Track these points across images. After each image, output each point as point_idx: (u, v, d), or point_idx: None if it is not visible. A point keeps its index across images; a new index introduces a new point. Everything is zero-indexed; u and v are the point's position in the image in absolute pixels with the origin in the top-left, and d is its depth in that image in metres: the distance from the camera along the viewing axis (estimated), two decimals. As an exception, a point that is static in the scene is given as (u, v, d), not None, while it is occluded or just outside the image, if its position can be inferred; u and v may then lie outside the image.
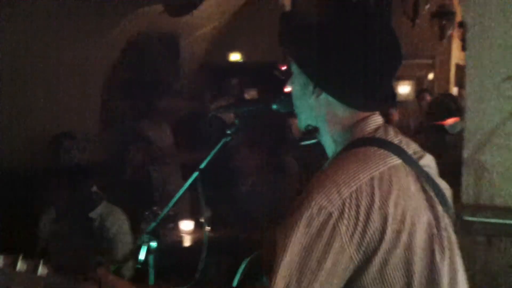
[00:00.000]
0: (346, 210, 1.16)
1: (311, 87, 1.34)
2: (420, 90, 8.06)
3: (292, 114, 1.50)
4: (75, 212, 3.31)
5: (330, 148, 1.39)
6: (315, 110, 1.37)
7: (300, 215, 1.17)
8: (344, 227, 1.15)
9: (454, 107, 4.14)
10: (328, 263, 1.15)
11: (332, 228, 1.15)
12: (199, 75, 7.69)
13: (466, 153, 3.35)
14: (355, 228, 1.15)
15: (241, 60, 8.13)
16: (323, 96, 1.33)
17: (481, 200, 3.30)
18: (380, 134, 1.31)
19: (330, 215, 1.16)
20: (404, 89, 8.95)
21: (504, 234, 3.14)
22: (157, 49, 7.16)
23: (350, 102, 1.32)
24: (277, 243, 1.19)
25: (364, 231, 1.16)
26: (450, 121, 4.06)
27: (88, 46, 5.61)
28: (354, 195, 1.17)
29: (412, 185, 1.24)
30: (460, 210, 3.18)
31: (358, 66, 1.29)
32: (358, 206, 1.16)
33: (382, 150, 1.26)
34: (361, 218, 1.16)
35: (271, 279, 1.17)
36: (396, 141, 1.31)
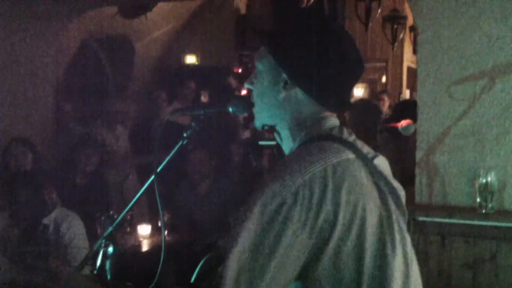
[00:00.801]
0: (300, 197, 1.18)
1: (282, 83, 1.38)
2: (380, 91, 8.15)
3: (249, 116, 1.52)
4: (28, 218, 3.23)
5: (287, 145, 1.43)
6: (281, 107, 1.40)
7: (254, 202, 1.20)
8: (297, 214, 1.17)
9: (412, 111, 4.24)
10: (281, 250, 1.16)
11: (286, 215, 1.17)
12: (154, 78, 7.63)
13: (419, 155, 3.43)
14: (307, 214, 1.18)
15: (197, 63, 8.10)
16: (294, 91, 1.37)
17: (434, 200, 3.38)
18: (335, 132, 1.36)
19: (283, 201, 1.18)
20: (358, 91, 9.10)
21: (457, 234, 3.22)
22: (111, 51, 7.07)
23: (319, 98, 1.38)
24: (232, 230, 1.20)
25: (316, 218, 1.18)
26: (403, 123, 4.14)
27: (38, 49, 5.49)
28: (307, 183, 1.19)
29: (365, 179, 1.28)
30: (413, 210, 3.25)
31: (329, 64, 1.35)
32: (311, 194, 1.19)
33: (336, 144, 1.30)
34: (313, 205, 1.18)
35: (225, 265, 1.17)
36: (350, 139, 1.36)
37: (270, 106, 1.42)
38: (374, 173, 1.32)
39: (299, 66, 1.36)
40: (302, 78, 1.36)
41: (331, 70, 1.35)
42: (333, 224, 1.18)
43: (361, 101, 7.57)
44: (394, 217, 1.30)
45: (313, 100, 1.37)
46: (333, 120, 1.40)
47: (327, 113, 1.39)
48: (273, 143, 1.49)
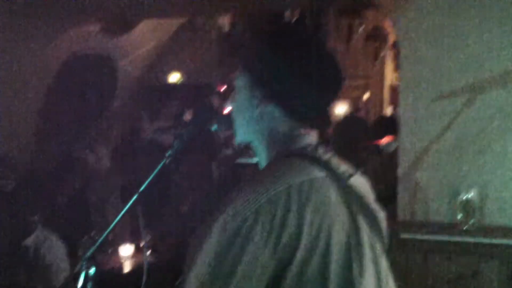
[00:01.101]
0: (262, 216, 1.16)
1: (257, 100, 1.37)
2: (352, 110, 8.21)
3: (231, 135, 1.53)
4: (9, 240, 3.20)
5: (262, 162, 1.42)
6: (257, 124, 1.39)
7: (216, 219, 1.18)
8: (258, 233, 1.16)
9: (392, 127, 4.27)
10: (242, 269, 1.15)
11: (246, 234, 1.16)
12: (137, 96, 7.61)
13: (401, 171, 3.46)
14: (269, 234, 1.16)
15: (180, 81, 8.11)
16: (269, 108, 1.37)
17: (417, 217, 3.40)
18: (310, 149, 1.35)
19: (245, 220, 1.16)
20: (340, 109, 9.16)
21: (439, 250, 3.24)
22: (93, 69, 7.05)
23: (294, 114, 1.37)
24: (193, 247, 1.19)
25: (278, 238, 1.16)
26: (384, 140, 4.17)
27: (20, 68, 5.46)
28: (270, 202, 1.18)
29: (333, 199, 1.26)
30: (396, 228, 3.26)
31: (304, 81, 1.34)
32: (274, 213, 1.17)
33: (306, 163, 1.29)
34: (276, 225, 1.16)
35: (185, 284, 1.16)
36: (324, 157, 1.34)
37: (247, 122, 1.41)
38: (346, 193, 1.30)
39: (273, 82, 1.35)
40: (276, 94, 1.35)
41: (306, 86, 1.34)
42: (296, 245, 1.17)
43: (349, 115, 7.65)
44: (364, 236, 1.28)
45: (288, 116, 1.37)
46: (309, 138, 1.38)
47: (304, 130, 1.38)
48: (251, 160, 1.49)
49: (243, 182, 1.26)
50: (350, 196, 1.31)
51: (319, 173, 1.27)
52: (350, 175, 1.37)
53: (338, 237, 1.23)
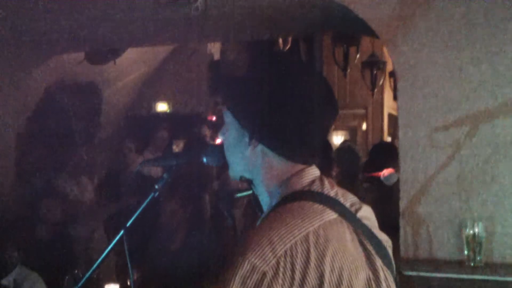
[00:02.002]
0: (281, 269, 1.16)
1: (246, 138, 1.36)
2: (342, 142, 8.25)
3: (223, 166, 1.52)
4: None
5: (265, 201, 1.40)
6: (250, 162, 1.38)
7: (234, 274, 1.17)
8: (279, 287, 1.15)
9: (390, 157, 4.28)
10: None
11: None
12: (123, 127, 7.61)
13: (402, 205, 3.45)
14: (290, 287, 1.16)
15: (169, 111, 8.13)
16: (260, 147, 1.35)
17: (420, 254, 3.38)
18: (316, 187, 1.33)
19: (264, 274, 1.15)
20: (338, 139, 9.18)
21: (444, 288, 3.22)
22: (77, 99, 7.06)
23: (287, 153, 1.34)
24: None
25: None
26: (385, 172, 4.18)
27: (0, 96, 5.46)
28: (289, 253, 1.17)
29: (349, 240, 1.26)
30: (399, 264, 3.24)
31: (294, 116, 1.32)
32: (293, 265, 1.16)
33: (317, 205, 1.27)
34: (296, 277, 1.16)
35: None
36: (332, 193, 1.33)
37: (240, 159, 1.40)
38: (359, 230, 1.30)
39: (259, 121, 1.33)
40: (264, 134, 1.33)
41: (296, 121, 1.32)
42: None
43: (346, 146, 7.66)
44: (381, 275, 1.29)
45: (282, 155, 1.35)
46: (311, 172, 1.36)
47: (303, 166, 1.36)
48: (249, 192, 1.48)
49: (255, 229, 1.25)
50: (362, 231, 1.31)
51: (332, 215, 1.27)
52: (358, 208, 1.36)
53: (359, 280, 1.23)
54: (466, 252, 3.23)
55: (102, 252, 1.73)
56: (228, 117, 1.40)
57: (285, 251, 1.17)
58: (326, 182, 1.36)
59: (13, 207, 5.39)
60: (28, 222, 4.59)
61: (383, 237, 1.38)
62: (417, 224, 3.39)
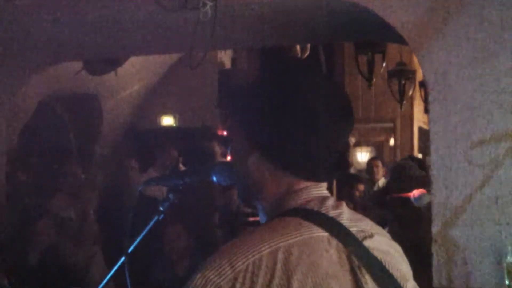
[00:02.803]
0: (238, 284, 1.14)
1: (246, 150, 1.37)
2: (370, 158, 8.26)
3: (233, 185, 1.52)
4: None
5: (262, 221, 1.39)
6: (252, 178, 1.38)
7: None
8: None
9: (419, 174, 4.25)
10: None
11: None
12: (125, 143, 7.65)
13: (435, 229, 3.42)
14: None
15: (175, 125, 8.17)
16: (259, 160, 1.35)
17: (455, 283, 3.35)
18: (312, 205, 1.32)
19: None
20: (362, 156, 9.17)
21: (482, 322, 3.19)
22: (74, 112, 7.11)
23: (287, 166, 1.34)
24: None
25: None
26: (416, 192, 4.15)
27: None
28: (250, 269, 1.16)
29: (333, 263, 1.23)
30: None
31: (299, 127, 1.32)
32: (253, 281, 1.15)
33: (302, 221, 1.26)
34: None
35: None
36: (331, 213, 1.31)
37: (242, 176, 1.40)
38: (357, 256, 1.26)
39: (262, 131, 1.33)
40: (266, 145, 1.34)
41: (301, 133, 1.32)
42: None
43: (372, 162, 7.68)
44: None
45: (282, 170, 1.34)
46: (314, 191, 1.35)
47: (308, 183, 1.35)
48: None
49: (222, 246, 1.24)
50: (362, 260, 1.26)
51: (317, 232, 1.25)
52: (369, 236, 1.33)
53: None
54: (507, 282, 3.20)
55: (101, 280, 1.74)
56: (234, 129, 1.42)
57: (247, 266, 1.16)
58: (329, 202, 1.34)
59: (3, 229, 5.43)
60: (19, 246, 4.61)
61: (401, 273, 1.34)
62: (451, 250, 3.36)
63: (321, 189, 1.37)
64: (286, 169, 1.34)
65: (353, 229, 1.30)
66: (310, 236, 1.23)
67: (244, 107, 1.38)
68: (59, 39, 4.55)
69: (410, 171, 4.37)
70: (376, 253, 1.30)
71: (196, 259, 4.63)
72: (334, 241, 1.25)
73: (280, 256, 1.17)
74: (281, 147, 1.32)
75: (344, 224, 1.30)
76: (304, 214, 1.28)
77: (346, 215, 1.33)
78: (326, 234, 1.25)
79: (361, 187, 6.36)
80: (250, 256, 1.17)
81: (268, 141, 1.33)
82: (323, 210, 1.30)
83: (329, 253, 1.23)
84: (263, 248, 1.18)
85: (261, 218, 1.41)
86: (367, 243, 1.30)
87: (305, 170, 1.35)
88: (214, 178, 1.65)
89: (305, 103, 1.32)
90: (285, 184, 1.35)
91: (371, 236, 1.33)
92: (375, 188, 7.26)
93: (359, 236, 1.30)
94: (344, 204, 1.36)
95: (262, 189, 1.37)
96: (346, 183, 6.03)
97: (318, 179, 1.37)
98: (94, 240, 5.39)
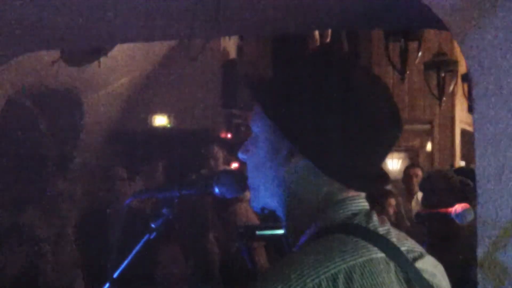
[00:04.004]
0: None
1: (284, 153, 1.39)
2: (408, 166, 8.21)
3: (237, 198, 1.53)
4: None
5: (294, 237, 1.42)
6: (284, 185, 1.41)
7: None
8: None
9: (460, 187, 4.25)
10: None
11: None
12: (110, 147, 7.67)
13: (480, 253, 3.42)
14: None
15: (169, 125, 8.19)
16: (301, 165, 1.38)
17: (504, 315, 3.35)
18: (359, 220, 1.35)
19: None
20: (393, 164, 9.14)
21: None
22: (50, 111, 7.13)
23: (338, 174, 1.37)
24: None
25: None
26: (458, 207, 4.14)
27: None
28: None
29: (394, 287, 1.28)
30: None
31: (350, 129, 1.35)
32: None
33: (358, 239, 1.29)
34: None
35: None
36: (381, 230, 1.35)
37: (270, 183, 1.43)
38: (413, 280, 1.31)
39: (307, 130, 1.36)
40: (312, 146, 1.36)
41: (352, 135, 1.35)
42: None
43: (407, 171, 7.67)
44: None
45: (329, 175, 1.37)
46: (358, 203, 1.39)
47: (351, 193, 1.39)
48: (279, 232, 1.49)
49: (274, 266, 1.28)
50: (417, 284, 1.32)
51: (375, 253, 1.29)
52: (419, 256, 1.37)
53: None
54: None
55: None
56: (261, 127, 1.44)
57: None
58: (373, 216, 1.38)
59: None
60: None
61: None
62: (500, 277, 3.36)
63: (364, 200, 1.41)
64: (337, 176, 1.37)
65: (403, 249, 1.35)
66: (370, 257, 1.27)
67: (289, 106, 1.39)
68: (31, 23, 4.55)
69: (451, 181, 4.36)
70: (425, 276, 1.35)
71: (194, 286, 4.64)
72: (392, 263, 1.29)
73: (341, 280, 1.21)
74: (330, 148, 1.35)
75: (395, 243, 1.34)
76: (355, 231, 1.32)
77: (393, 232, 1.38)
78: (383, 255, 1.29)
79: (393, 201, 6.35)
80: (308, 281, 1.20)
81: (321, 143, 1.35)
82: (371, 227, 1.34)
83: (389, 275, 1.28)
84: (321, 272, 1.21)
85: (290, 233, 1.43)
86: (418, 264, 1.35)
87: (354, 177, 1.38)
88: (217, 190, 1.65)
89: (359, 101, 1.37)
90: (326, 193, 1.38)
91: (421, 256, 1.38)
92: (414, 201, 7.21)
93: (410, 256, 1.35)
94: (386, 219, 1.41)
95: (299, 199, 1.40)
96: (376, 198, 6.02)
97: (364, 188, 1.41)
98: (74, 263, 5.41)
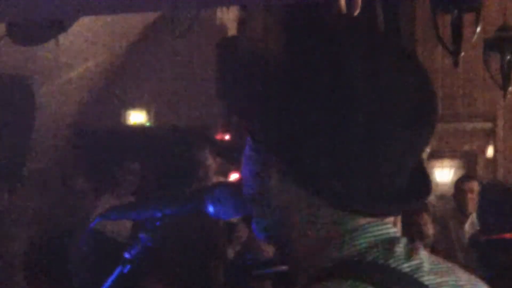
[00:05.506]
0: None
1: (268, 171, 1.35)
2: (461, 178, 8.18)
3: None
4: None
5: (295, 275, 1.39)
6: (277, 211, 1.38)
7: None
8: None
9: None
10: None
11: None
12: (70, 150, 7.70)
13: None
14: None
15: (148, 124, 8.23)
16: (290, 181, 1.33)
17: None
18: (376, 255, 1.30)
19: None
20: (444, 174, 9.14)
21: None
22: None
23: (343, 198, 1.31)
24: None
25: None
26: (515, 234, 4.19)
27: None
28: None
29: None
30: None
31: (362, 134, 1.28)
32: None
33: (360, 284, 1.23)
34: None
35: None
36: (406, 267, 1.29)
37: (263, 202, 1.39)
38: None
39: (295, 140, 1.31)
40: (301, 164, 1.31)
41: (359, 141, 1.28)
42: None
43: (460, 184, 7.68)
44: None
45: (330, 202, 1.32)
46: (377, 230, 1.33)
47: (368, 218, 1.33)
48: (274, 271, 1.49)
49: None
50: None
51: None
52: None
53: None
54: None
55: None
56: (246, 131, 1.42)
57: None
58: (400, 246, 1.32)
59: None
60: None
61: None
62: None
63: (387, 226, 1.34)
64: (332, 199, 1.31)
65: (444, 286, 1.31)
66: None
67: (263, 101, 1.37)
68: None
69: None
70: None
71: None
72: None
73: None
74: (327, 164, 1.30)
75: (426, 283, 1.29)
76: (367, 272, 1.26)
77: (427, 266, 1.32)
78: None
79: (426, 217, 6.34)
80: None
81: (316, 157, 1.30)
82: (392, 263, 1.28)
83: None
84: None
85: (292, 268, 1.41)
86: None
87: (364, 200, 1.31)
88: (211, 209, 1.66)
89: (371, 94, 1.29)
90: (330, 221, 1.33)
91: None
92: (468, 224, 7.19)
93: None
94: (421, 249, 1.34)
95: (295, 227, 1.36)
96: (410, 217, 6.00)
97: (382, 211, 1.36)
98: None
